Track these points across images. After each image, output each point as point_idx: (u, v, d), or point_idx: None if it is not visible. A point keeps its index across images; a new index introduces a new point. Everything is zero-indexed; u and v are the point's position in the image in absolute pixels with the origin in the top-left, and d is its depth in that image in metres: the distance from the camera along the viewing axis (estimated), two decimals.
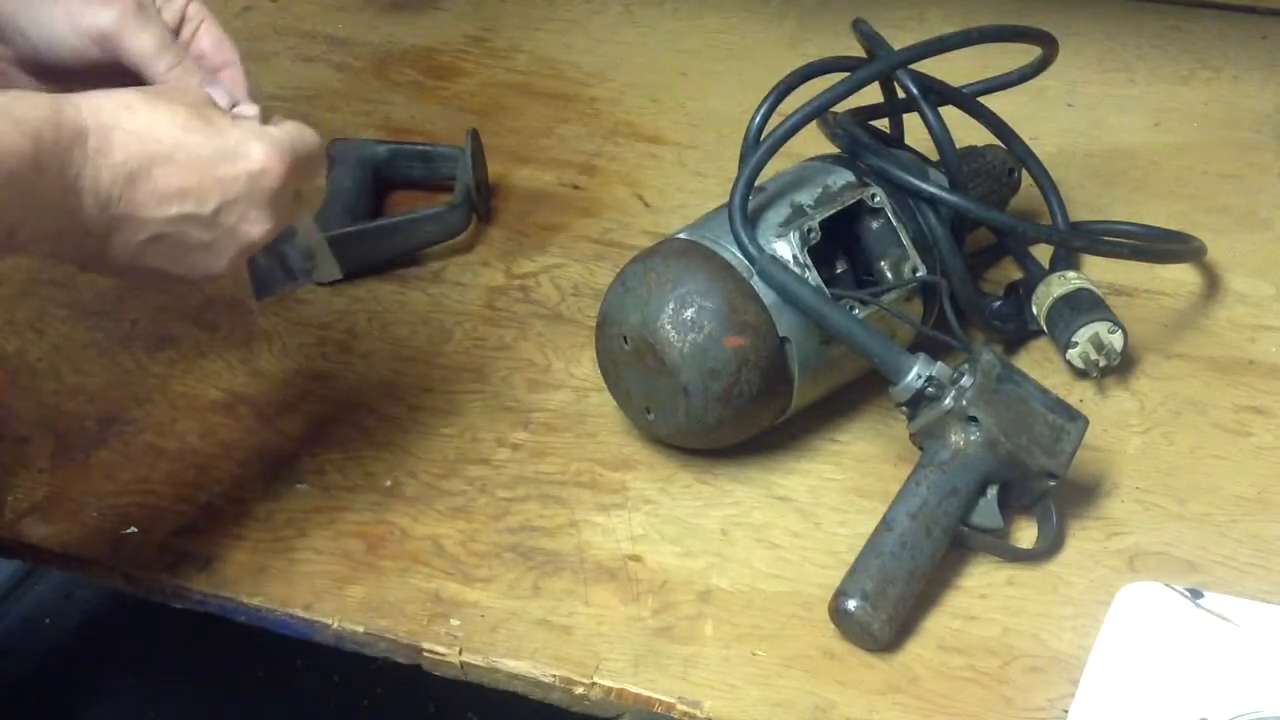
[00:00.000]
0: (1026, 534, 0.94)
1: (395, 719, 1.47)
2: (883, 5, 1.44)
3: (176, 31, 0.89)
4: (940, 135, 1.03)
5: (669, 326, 0.93)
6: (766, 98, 1.03)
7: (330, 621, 0.91)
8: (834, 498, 0.97)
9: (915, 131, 1.08)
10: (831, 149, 1.06)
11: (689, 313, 0.93)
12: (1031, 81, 1.15)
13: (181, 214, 0.79)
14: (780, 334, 0.94)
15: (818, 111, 1.00)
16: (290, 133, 0.83)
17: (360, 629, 0.90)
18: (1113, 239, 1.12)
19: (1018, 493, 0.92)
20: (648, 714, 0.86)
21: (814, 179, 1.01)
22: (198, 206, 0.79)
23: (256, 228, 0.81)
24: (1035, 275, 1.08)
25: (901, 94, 1.07)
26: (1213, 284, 1.13)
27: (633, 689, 0.86)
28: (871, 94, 1.07)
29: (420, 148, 1.26)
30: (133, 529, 0.97)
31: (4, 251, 0.75)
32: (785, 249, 0.95)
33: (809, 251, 0.95)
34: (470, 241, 1.20)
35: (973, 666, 0.86)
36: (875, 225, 0.99)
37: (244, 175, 0.80)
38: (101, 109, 0.76)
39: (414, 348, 1.10)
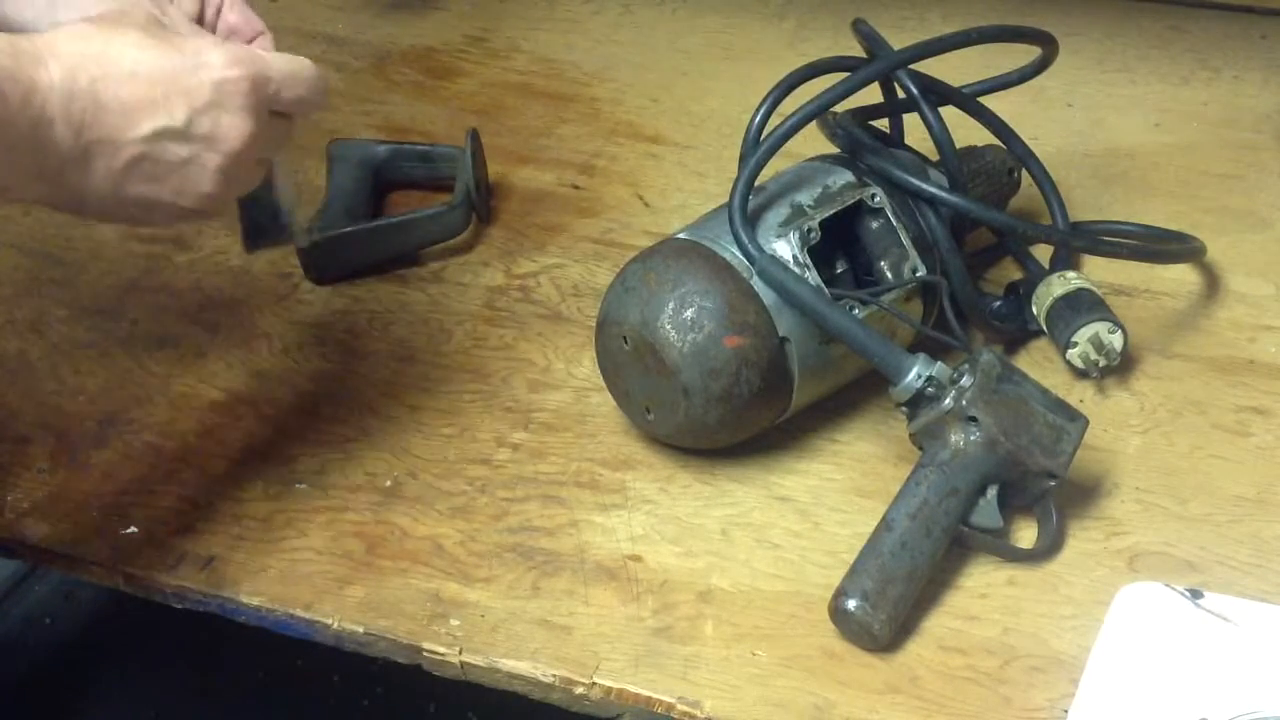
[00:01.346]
0: (1026, 534, 0.94)
1: (395, 719, 1.47)
2: (883, 5, 1.44)
3: (200, 17, 0.90)
4: (940, 135, 1.03)
5: (669, 326, 0.93)
6: (766, 98, 1.03)
7: (330, 621, 0.91)
8: (834, 498, 0.97)
9: (915, 131, 1.08)
10: (831, 149, 1.06)
11: (689, 313, 0.93)
12: (1031, 81, 1.15)
13: (154, 129, 0.77)
14: (780, 334, 0.94)
15: (818, 111, 1.00)
16: (262, 50, 0.83)
17: (360, 629, 0.90)
18: (1113, 239, 1.12)
19: (1018, 493, 0.92)
20: (648, 714, 0.86)
21: (814, 179, 1.01)
22: (169, 119, 0.78)
23: (234, 133, 0.80)
24: (1035, 275, 1.08)
25: (901, 94, 1.07)
26: (1213, 284, 1.13)
27: (633, 689, 0.86)
28: (871, 94, 1.07)
29: (420, 148, 1.26)
30: (133, 529, 0.97)
31: None
32: (785, 249, 0.95)
33: (809, 251, 0.95)
34: (470, 241, 1.20)
35: (973, 666, 0.86)
36: (875, 225, 0.99)
37: (208, 82, 0.79)
38: (55, 40, 0.76)
39: (414, 348, 1.10)
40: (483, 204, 1.22)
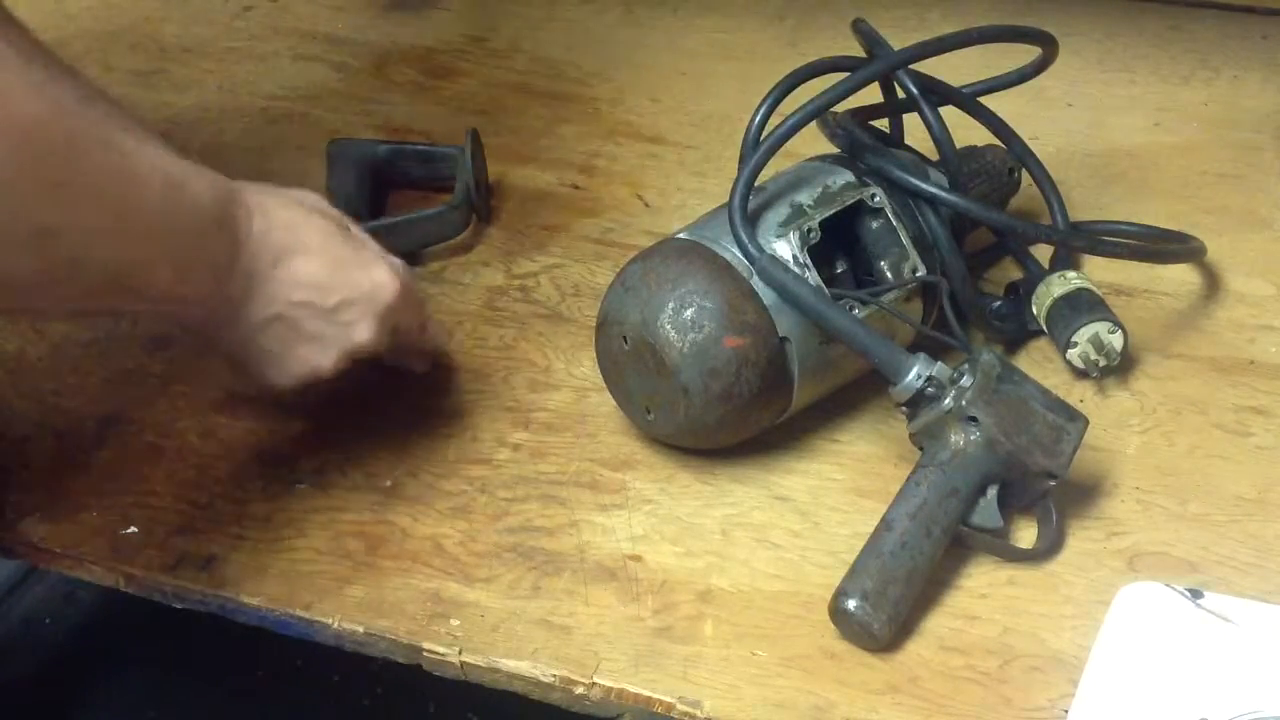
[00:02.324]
0: (1026, 534, 0.94)
1: (395, 719, 1.47)
2: (883, 5, 1.44)
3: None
4: (940, 135, 1.03)
5: (669, 326, 0.93)
6: (766, 98, 1.03)
7: (330, 621, 0.91)
8: (834, 498, 0.97)
9: (915, 131, 1.08)
10: (831, 149, 1.06)
11: (689, 313, 0.93)
12: (1031, 81, 1.15)
13: (306, 300, 0.89)
14: (780, 334, 0.94)
15: (818, 111, 1.00)
16: (410, 273, 0.97)
17: (360, 629, 0.90)
18: (1113, 239, 1.12)
19: (1018, 493, 0.92)
20: (648, 714, 0.86)
21: (814, 179, 1.01)
22: (322, 298, 0.90)
23: (364, 334, 0.92)
24: (1035, 275, 1.08)
25: (901, 94, 1.07)
26: (1213, 284, 1.13)
27: (633, 689, 0.86)
28: (871, 94, 1.07)
29: (420, 148, 1.26)
30: (133, 529, 0.97)
31: (164, 302, 0.84)
32: (785, 249, 0.95)
33: (809, 251, 0.95)
34: (470, 241, 1.20)
35: (973, 666, 0.86)
36: (875, 225, 0.99)
37: (367, 284, 0.92)
38: (265, 197, 0.88)
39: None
40: (483, 204, 1.22)
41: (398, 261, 0.96)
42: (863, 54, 1.07)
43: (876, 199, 0.99)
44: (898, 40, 1.05)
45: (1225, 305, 1.12)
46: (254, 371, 0.92)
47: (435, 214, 1.17)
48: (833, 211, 0.98)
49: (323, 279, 0.89)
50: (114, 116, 0.78)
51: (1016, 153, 1.14)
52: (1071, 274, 1.06)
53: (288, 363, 0.91)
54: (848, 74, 1.01)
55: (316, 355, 0.91)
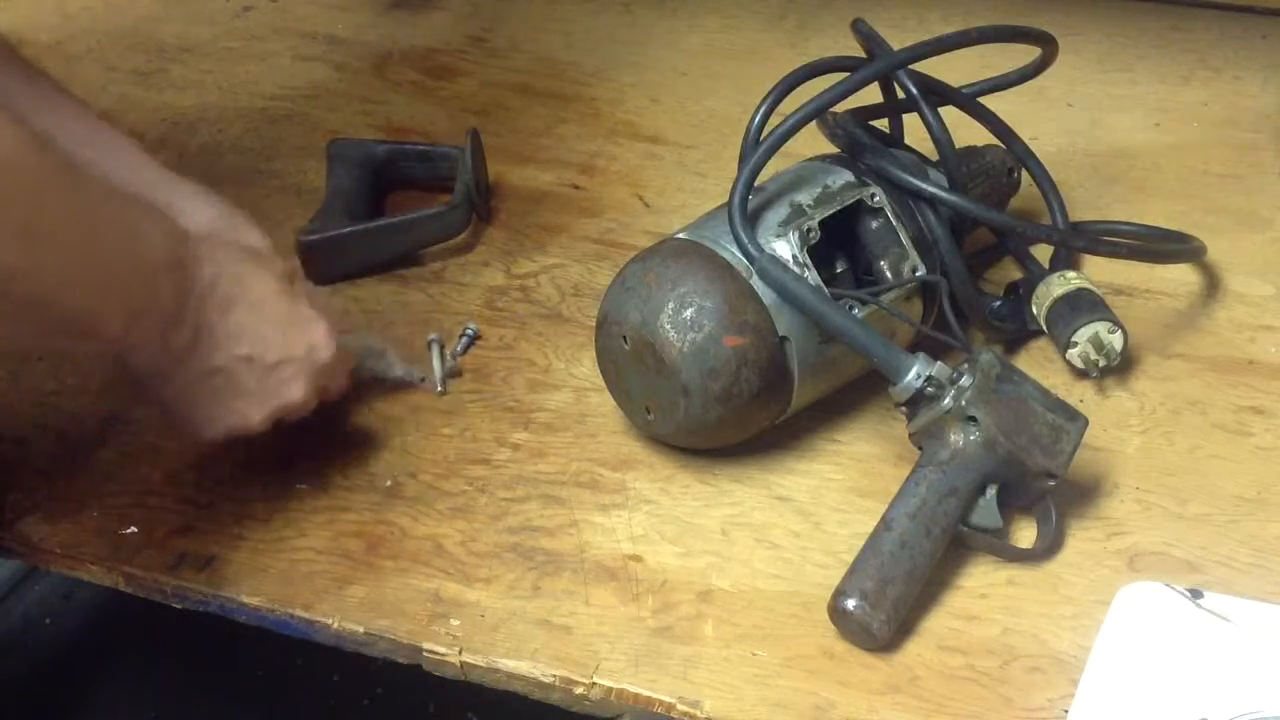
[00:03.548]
0: (1026, 534, 0.94)
1: (395, 719, 1.47)
2: (883, 5, 1.44)
3: None
4: (940, 135, 1.03)
5: (669, 326, 0.93)
6: (766, 98, 1.03)
7: (330, 621, 0.91)
8: (834, 498, 0.97)
9: (915, 131, 1.08)
10: (831, 149, 1.06)
11: (688, 312, 0.93)
12: (1031, 81, 1.15)
13: (247, 355, 0.89)
14: (780, 333, 0.94)
15: (818, 111, 1.00)
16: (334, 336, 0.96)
17: (360, 629, 0.90)
18: (1113, 239, 1.12)
19: (1017, 493, 0.92)
20: (648, 714, 0.86)
21: (814, 179, 1.01)
22: (262, 352, 0.90)
23: (297, 393, 0.92)
24: (1035, 275, 1.08)
25: (901, 94, 1.07)
26: (1213, 284, 1.13)
27: (633, 689, 0.86)
28: (871, 94, 1.07)
29: (420, 148, 1.26)
30: (133, 529, 0.97)
31: (112, 345, 0.84)
32: (785, 249, 0.95)
33: (808, 251, 0.95)
34: (470, 241, 1.20)
35: (973, 666, 0.86)
36: (875, 225, 0.99)
37: (305, 343, 0.92)
38: (215, 247, 0.89)
39: (416, 347, 1.10)
40: (483, 204, 1.22)
41: (330, 328, 0.96)
42: (863, 54, 1.07)
43: (876, 199, 0.99)
44: (897, 40, 1.05)
45: (1225, 305, 1.12)
46: (183, 420, 0.92)
47: (435, 214, 1.17)
48: (832, 211, 0.98)
49: (266, 334, 0.90)
50: (78, 152, 0.78)
51: (1016, 153, 1.14)
52: (1071, 274, 1.06)
53: (220, 415, 0.91)
54: (848, 74, 1.01)
55: (249, 410, 0.91)
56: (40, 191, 0.74)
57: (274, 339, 0.91)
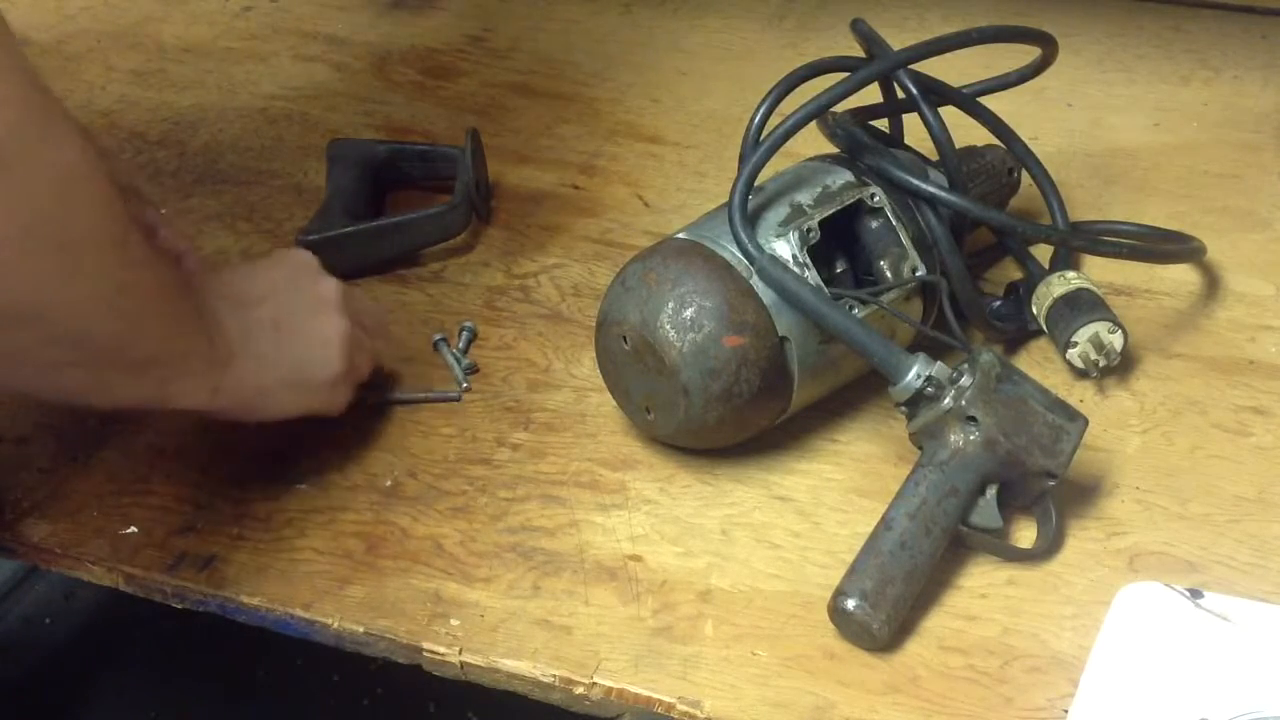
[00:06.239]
0: (1026, 534, 0.94)
1: (395, 719, 1.47)
2: (883, 5, 1.44)
3: None
4: (940, 135, 1.03)
5: (668, 326, 0.93)
6: (766, 98, 1.03)
7: (330, 621, 0.91)
8: (834, 498, 0.97)
9: (915, 131, 1.08)
10: (831, 149, 1.06)
11: (688, 312, 0.93)
12: (1031, 81, 1.15)
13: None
14: (779, 333, 0.94)
15: (818, 111, 1.00)
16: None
17: (360, 629, 0.90)
18: (1113, 239, 1.12)
19: (1017, 493, 0.92)
20: (648, 714, 0.86)
21: (814, 179, 1.01)
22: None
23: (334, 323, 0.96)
24: (1035, 275, 1.08)
25: (901, 94, 1.07)
26: (1213, 284, 1.13)
27: (633, 689, 0.86)
28: (871, 94, 1.07)
29: (420, 148, 1.26)
30: (133, 529, 0.97)
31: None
32: (785, 248, 0.95)
33: (808, 251, 0.95)
34: (470, 241, 1.20)
35: (973, 666, 0.86)
36: (875, 225, 0.99)
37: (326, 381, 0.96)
38: (246, 348, 0.90)
39: (414, 348, 1.10)
40: (483, 204, 1.22)
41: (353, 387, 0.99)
42: (863, 54, 1.07)
43: (876, 199, 0.99)
44: (897, 40, 1.05)
45: (1225, 305, 1.12)
46: (271, 384, 0.93)
47: (435, 214, 1.17)
48: (832, 211, 0.98)
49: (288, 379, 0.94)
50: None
51: (1016, 153, 1.14)
52: (1071, 274, 1.06)
53: (290, 358, 0.93)
54: (848, 74, 1.02)
55: (323, 352, 0.95)
56: (100, 207, 0.76)
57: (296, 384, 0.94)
